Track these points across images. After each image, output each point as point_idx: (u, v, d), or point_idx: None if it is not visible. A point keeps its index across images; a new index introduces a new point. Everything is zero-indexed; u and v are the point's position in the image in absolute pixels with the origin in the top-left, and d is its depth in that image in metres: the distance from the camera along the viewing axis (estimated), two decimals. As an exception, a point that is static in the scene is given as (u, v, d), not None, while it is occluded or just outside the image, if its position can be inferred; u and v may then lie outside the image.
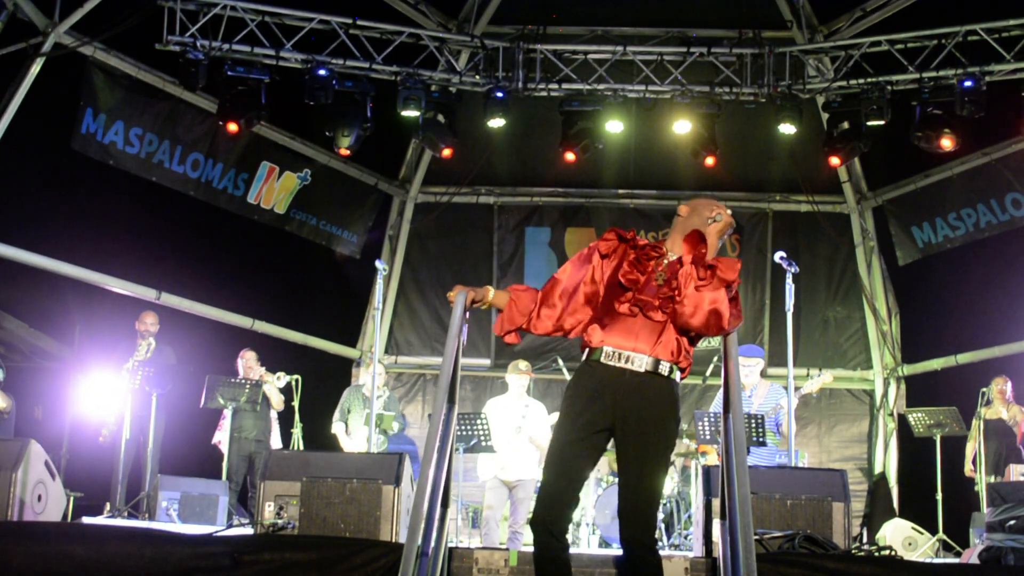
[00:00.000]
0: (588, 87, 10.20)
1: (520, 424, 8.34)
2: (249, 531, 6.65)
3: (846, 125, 9.90)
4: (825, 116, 10.32)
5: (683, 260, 3.94)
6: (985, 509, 6.80)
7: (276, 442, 9.63)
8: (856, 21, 10.67)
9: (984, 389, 9.38)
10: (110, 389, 9.05)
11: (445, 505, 4.30)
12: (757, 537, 5.23)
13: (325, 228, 11.82)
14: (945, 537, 8.86)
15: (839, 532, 5.56)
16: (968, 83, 9.10)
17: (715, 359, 10.04)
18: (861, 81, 9.76)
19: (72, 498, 8.28)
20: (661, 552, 4.12)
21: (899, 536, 8.82)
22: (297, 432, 9.58)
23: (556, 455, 3.90)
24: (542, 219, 12.45)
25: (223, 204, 10.82)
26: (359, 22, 9.91)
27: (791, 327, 7.42)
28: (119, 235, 9.68)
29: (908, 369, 11.78)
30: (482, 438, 8.04)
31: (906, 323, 11.97)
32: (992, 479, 9.00)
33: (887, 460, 11.69)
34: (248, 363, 9.58)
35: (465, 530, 9.55)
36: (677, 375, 3.94)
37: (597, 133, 10.12)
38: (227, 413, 9.13)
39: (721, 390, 4.84)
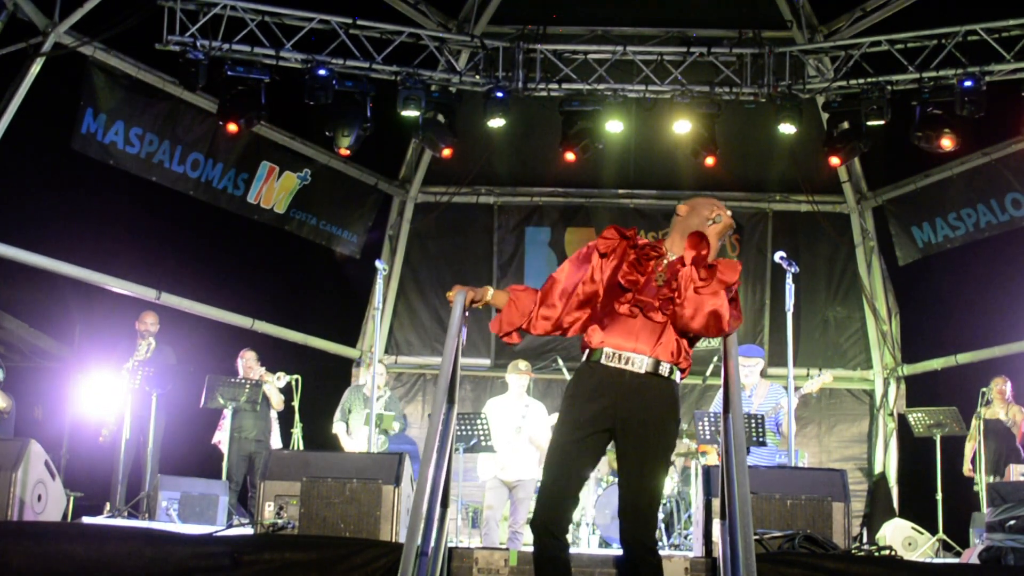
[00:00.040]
0: (588, 87, 10.20)
1: (520, 424, 8.34)
2: (249, 531, 6.65)
3: (846, 125, 9.90)
4: (825, 116, 10.32)
5: (683, 261, 3.93)
6: (985, 509, 6.80)
7: (276, 442, 9.63)
8: (856, 21, 10.67)
9: (984, 389, 9.38)
10: (110, 389, 9.05)
11: (445, 505, 4.30)
12: (757, 537, 5.23)
13: (325, 228, 11.82)
14: (945, 537, 8.86)
15: (839, 532, 5.56)
16: (968, 83, 9.10)
17: (715, 359, 10.04)
18: (861, 81, 9.76)
19: (72, 498, 8.28)
20: (661, 552, 4.12)
21: (899, 536, 8.82)
22: (297, 432, 9.58)
23: (556, 456, 3.90)
24: (542, 219, 12.45)
25: (223, 204, 10.82)
26: (359, 22, 9.91)
27: (791, 327, 7.42)
28: (119, 235, 9.68)
29: (908, 369, 11.78)
30: (482, 438, 8.04)
31: (906, 323, 11.97)
32: (992, 479, 9.00)
33: (887, 460, 11.69)
34: (248, 363, 9.58)
35: (465, 530, 9.55)
36: (677, 376, 3.93)
37: (597, 133, 10.12)
38: (227, 413, 9.13)
39: (721, 390, 4.83)
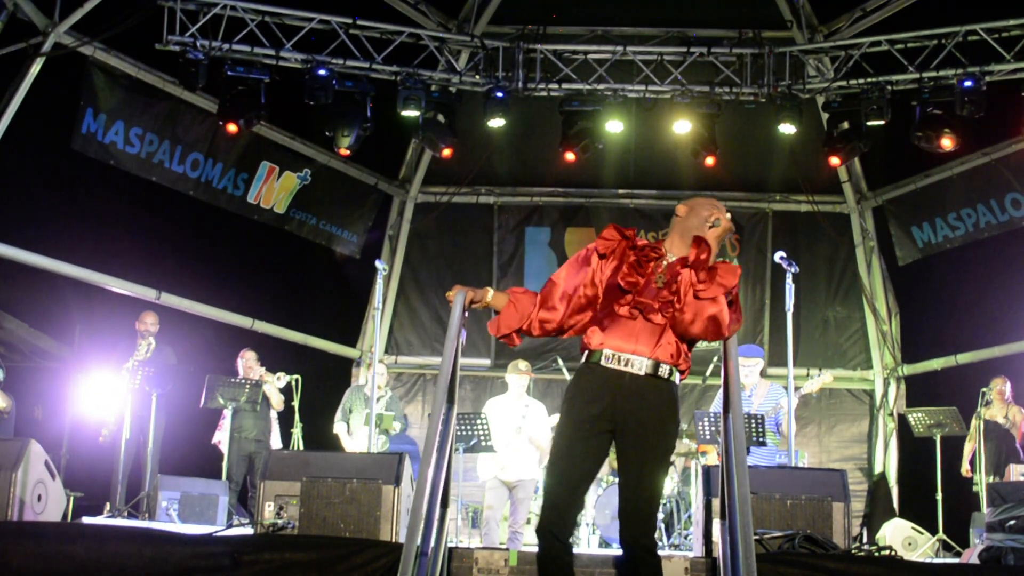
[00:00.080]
0: (588, 87, 10.20)
1: (520, 424, 8.33)
2: (249, 531, 6.65)
3: (846, 125, 9.90)
4: (825, 116, 10.32)
5: (683, 263, 3.93)
6: (985, 509, 6.80)
7: (276, 442, 9.63)
8: (856, 21, 10.67)
9: (984, 389, 9.37)
10: (110, 389, 9.05)
11: (445, 505, 4.30)
12: (757, 537, 5.23)
13: (325, 228, 11.82)
14: (945, 537, 8.86)
15: (839, 532, 5.57)
16: (968, 83, 9.10)
17: (715, 359, 10.04)
18: (861, 81, 9.76)
19: (72, 498, 8.28)
20: (661, 552, 4.12)
21: (899, 536, 8.82)
22: (297, 432, 9.58)
23: (559, 459, 3.90)
24: (542, 219, 12.45)
25: (223, 204, 10.82)
26: (359, 22, 9.91)
27: (791, 327, 7.42)
28: (119, 235, 9.68)
29: (908, 369, 11.78)
30: (482, 438, 8.04)
31: (906, 323, 11.97)
32: (992, 479, 9.00)
33: (887, 460, 11.69)
34: (248, 363, 9.58)
35: (465, 530, 9.55)
36: (677, 377, 3.93)
37: (597, 133, 10.12)
38: (227, 413, 9.13)
39: (721, 390, 4.83)
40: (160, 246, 10.11)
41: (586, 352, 3.98)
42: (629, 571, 3.84)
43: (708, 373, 10.41)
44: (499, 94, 9.99)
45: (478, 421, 8.10)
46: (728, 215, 4.01)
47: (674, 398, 3.93)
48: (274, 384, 9.54)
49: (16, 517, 6.09)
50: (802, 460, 8.89)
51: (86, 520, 7.61)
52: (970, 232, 10.92)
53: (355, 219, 12.08)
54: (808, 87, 10.19)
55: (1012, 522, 5.68)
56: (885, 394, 11.85)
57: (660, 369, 3.87)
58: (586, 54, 10.39)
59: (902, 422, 11.11)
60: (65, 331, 10.26)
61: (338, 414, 9.52)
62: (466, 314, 4.18)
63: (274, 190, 11.20)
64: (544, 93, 10.36)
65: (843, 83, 9.94)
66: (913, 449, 10.90)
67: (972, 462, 9.48)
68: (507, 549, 5.75)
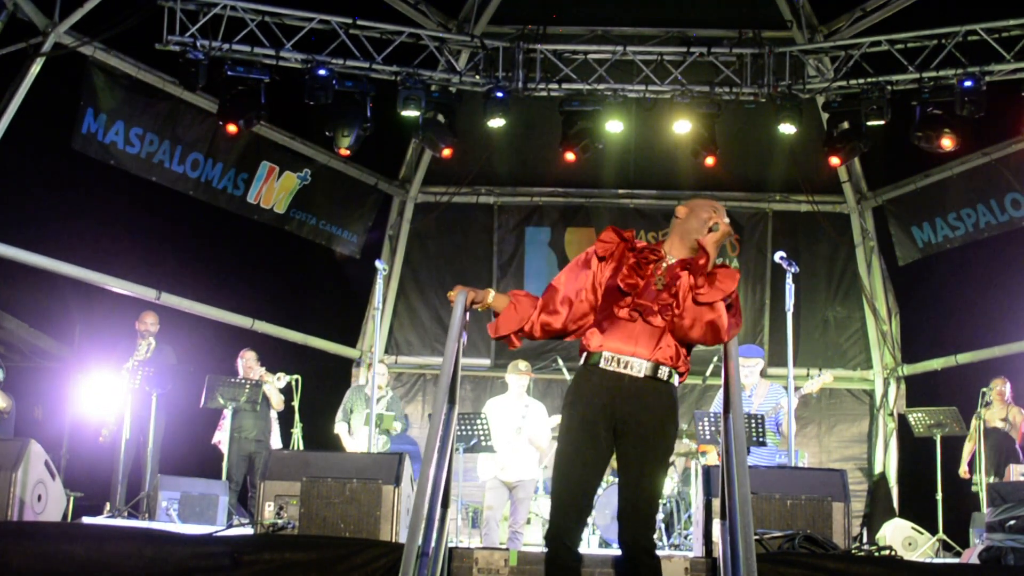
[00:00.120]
0: (588, 87, 10.20)
1: (520, 425, 8.33)
2: (249, 531, 6.65)
3: (846, 125, 9.90)
4: (825, 116, 10.32)
5: (683, 265, 3.92)
6: (985, 509, 6.80)
7: (276, 442, 9.63)
8: (856, 21, 10.67)
9: (984, 389, 9.38)
10: (110, 389, 9.05)
11: (445, 505, 4.30)
12: (757, 537, 5.23)
13: (325, 228, 11.82)
14: (945, 537, 8.86)
15: (839, 532, 5.56)
16: (968, 83, 9.10)
17: (715, 359, 10.04)
18: (861, 81, 9.76)
19: (72, 498, 8.28)
20: (661, 552, 4.12)
21: (899, 536, 8.82)
22: (297, 432, 9.58)
23: (564, 465, 3.89)
24: (542, 219, 12.45)
25: (223, 204, 10.82)
26: (359, 22, 9.91)
27: (791, 327, 7.42)
28: (119, 235, 9.68)
29: (908, 369, 11.78)
30: (482, 438, 8.04)
31: (906, 323, 11.98)
32: (991, 480, 9.00)
33: (887, 460, 11.69)
34: (248, 363, 9.58)
35: (465, 530, 9.55)
36: (676, 379, 3.93)
37: (597, 133, 10.11)
38: (227, 413, 9.13)
39: (721, 390, 4.83)
40: (160, 246, 10.12)
41: (585, 354, 3.98)
42: (628, 572, 3.84)
43: (708, 373, 10.41)
44: (499, 94, 9.99)
45: (478, 421, 8.10)
46: (727, 219, 3.99)
47: (673, 400, 3.93)
48: (274, 384, 9.54)
49: (16, 517, 6.09)
50: (802, 460, 8.89)
51: (86, 520, 7.61)
52: (970, 232, 10.92)
53: (355, 219, 12.08)
54: (808, 87, 10.19)
55: (1012, 522, 5.68)
56: (885, 394, 11.85)
57: (659, 371, 3.87)
58: (586, 54, 10.39)
59: (902, 422, 11.11)
60: (65, 331, 10.26)
61: (339, 414, 9.52)
62: (467, 315, 4.17)
63: (274, 190, 11.20)
64: (544, 93, 10.36)
65: (843, 83, 9.94)
66: (913, 449, 10.90)
67: (971, 463, 9.48)
68: (507, 549, 5.75)
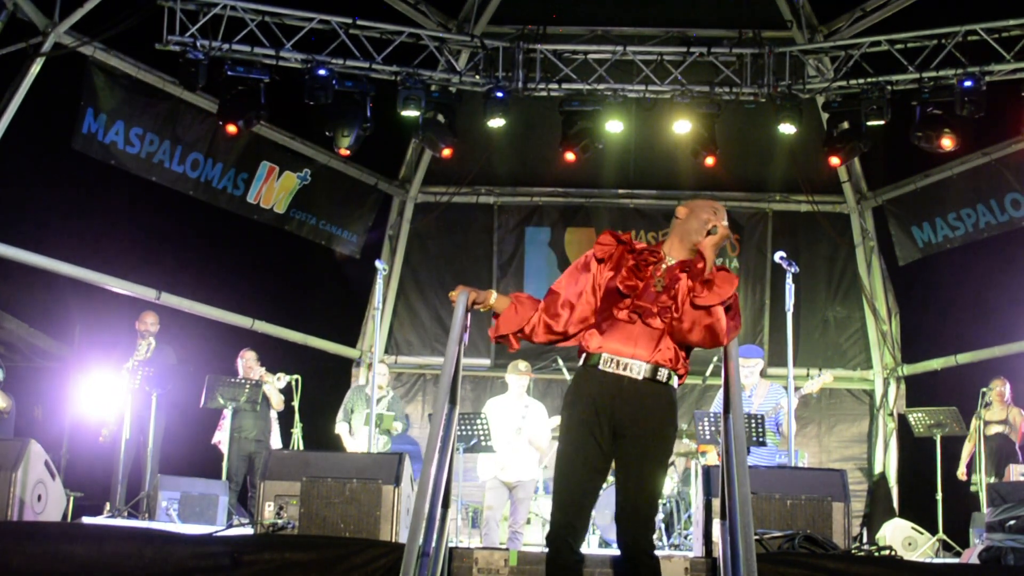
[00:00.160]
0: (588, 87, 10.20)
1: (520, 425, 8.33)
2: (249, 531, 6.65)
3: (846, 125, 9.90)
4: (825, 116, 10.33)
5: (682, 267, 3.92)
6: (985, 509, 6.80)
7: (276, 442, 9.63)
8: (856, 21, 10.67)
9: (984, 389, 9.37)
10: (110, 389, 9.05)
11: (445, 505, 4.30)
12: (757, 537, 5.23)
13: (325, 228, 11.82)
14: (945, 537, 8.86)
15: (839, 532, 5.57)
16: (968, 83, 9.10)
17: (715, 359, 10.04)
18: (861, 81, 9.76)
19: (72, 498, 8.28)
20: (661, 552, 4.12)
21: (899, 536, 8.82)
22: (297, 432, 9.58)
23: (565, 466, 3.89)
24: (542, 219, 12.45)
25: (223, 204, 10.82)
26: (359, 22, 9.91)
27: (791, 327, 7.42)
28: (119, 235, 9.68)
29: (908, 369, 11.78)
30: (482, 438, 8.04)
31: (906, 323, 11.98)
32: (991, 480, 9.00)
33: (887, 460, 11.69)
34: (248, 363, 9.58)
35: (465, 530, 9.55)
36: (675, 381, 3.93)
37: (597, 133, 10.11)
38: (227, 413, 9.13)
39: (721, 390, 4.83)
40: (160, 246, 10.12)
41: (584, 355, 3.97)
42: (628, 572, 3.84)
43: (708, 373, 10.41)
44: (499, 94, 10.00)
45: (478, 421, 8.10)
46: (725, 221, 3.98)
47: (672, 402, 3.93)
48: (274, 384, 9.54)
49: (16, 517, 6.09)
50: (802, 460, 8.89)
51: (86, 520, 7.61)
52: (970, 232, 10.92)
53: (355, 219, 12.08)
54: (808, 87, 10.19)
55: (1012, 522, 5.68)
56: (885, 394, 11.85)
57: (659, 373, 3.87)
58: (586, 54, 10.39)
59: (902, 422, 11.11)
60: (65, 331, 10.26)
61: (340, 414, 9.52)
62: (468, 315, 4.17)
63: (274, 190, 11.20)
64: (544, 93, 10.36)
65: (843, 83, 9.94)
66: (913, 449, 10.90)
67: (969, 465, 9.48)
68: (507, 549, 5.75)
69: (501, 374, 9.68)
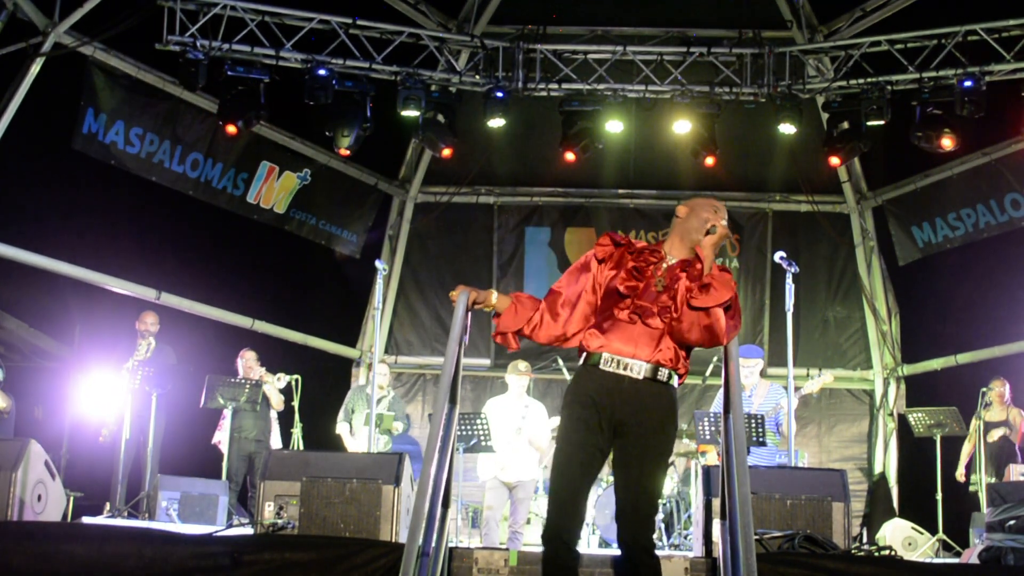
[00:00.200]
0: (588, 87, 10.20)
1: (520, 425, 8.33)
2: (249, 531, 6.65)
3: (846, 125, 9.90)
4: (825, 116, 10.33)
5: (682, 266, 3.92)
6: (985, 509, 6.80)
7: (276, 442, 9.62)
8: (856, 21, 10.67)
9: (984, 389, 9.37)
10: (110, 389, 9.05)
11: (445, 505, 4.30)
12: (757, 537, 5.23)
13: (325, 228, 11.82)
14: (945, 537, 8.86)
15: (839, 532, 5.57)
16: (968, 83, 9.10)
17: (715, 359, 10.04)
18: (861, 81, 9.76)
19: (72, 498, 8.28)
20: (661, 552, 4.12)
21: (899, 536, 8.82)
22: (297, 432, 9.58)
23: (563, 464, 3.89)
24: (542, 219, 12.45)
25: (223, 204, 10.82)
26: (359, 22, 9.91)
27: (791, 327, 7.42)
28: (119, 235, 9.68)
29: (908, 369, 11.78)
30: (482, 438, 8.04)
31: (906, 323, 11.97)
32: (991, 480, 9.00)
33: (887, 460, 11.69)
34: (248, 363, 9.58)
35: (465, 530, 9.55)
36: (675, 381, 3.93)
37: (597, 133, 10.11)
38: (227, 413, 9.13)
39: (721, 390, 4.84)
40: (160, 246, 10.11)
41: (585, 354, 3.98)
42: (628, 572, 3.84)
43: (708, 373, 10.41)
44: (499, 94, 10.00)
45: (478, 421, 8.10)
46: (725, 220, 3.98)
47: (673, 401, 3.93)
48: (274, 384, 9.54)
49: (16, 517, 6.09)
50: (802, 460, 8.89)
51: (86, 520, 7.61)
52: (970, 232, 10.92)
53: (355, 219, 12.08)
54: (808, 87, 10.19)
55: (1012, 522, 5.68)
56: (885, 394, 11.85)
57: (659, 373, 3.87)
58: (586, 54, 10.39)
59: (902, 422, 11.11)
60: (65, 331, 10.25)
61: (341, 414, 9.52)
62: (468, 315, 4.17)
63: (274, 190, 11.20)
64: (544, 93, 10.36)
65: (843, 83, 9.94)
66: (913, 449, 10.90)
67: (968, 465, 9.48)
68: (507, 549, 5.75)
69: (501, 374, 9.68)
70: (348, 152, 10.06)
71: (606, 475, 9.21)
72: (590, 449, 3.87)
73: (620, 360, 3.87)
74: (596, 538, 9.22)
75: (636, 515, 3.83)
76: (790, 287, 7.31)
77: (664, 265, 3.97)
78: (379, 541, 5.56)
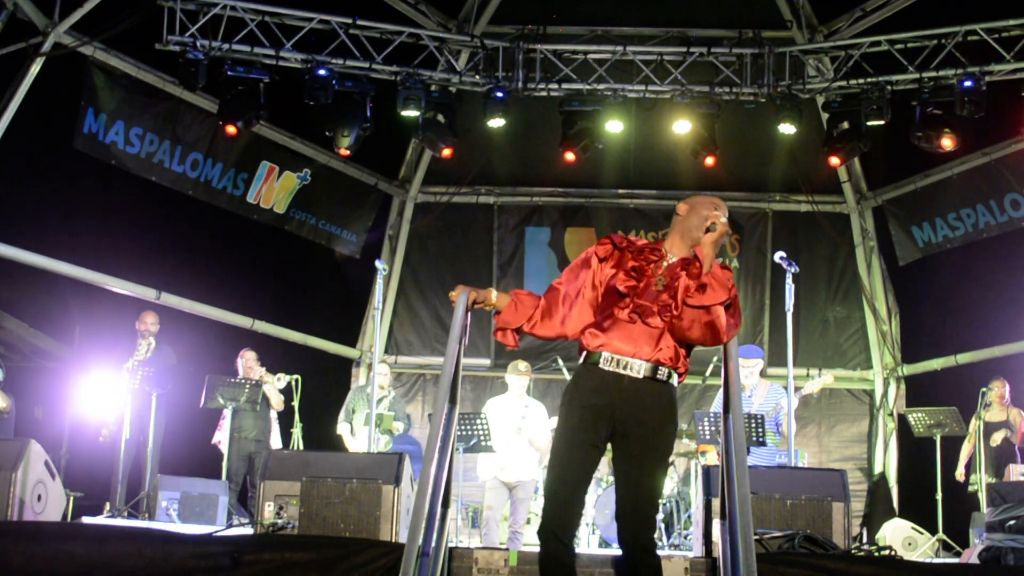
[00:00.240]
0: (588, 87, 10.20)
1: (520, 425, 8.33)
2: (249, 531, 6.65)
3: (846, 125, 9.90)
4: (825, 116, 10.33)
5: (682, 265, 3.92)
6: (985, 509, 6.80)
7: (276, 442, 9.62)
8: (856, 21, 10.67)
9: (984, 389, 9.37)
10: (110, 389, 9.05)
11: (445, 505, 4.30)
12: (757, 537, 5.23)
13: (325, 228, 11.82)
14: (945, 537, 8.86)
15: (839, 532, 5.57)
16: (968, 83, 9.10)
17: (715, 359, 10.04)
18: (861, 81, 9.76)
19: (72, 498, 8.27)
20: (661, 552, 4.12)
21: (899, 536, 8.82)
22: (297, 432, 9.58)
23: (559, 461, 3.90)
24: (542, 219, 12.45)
25: (223, 204, 10.82)
26: (359, 22, 9.91)
27: (791, 327, 7.43)
28: (119, 235, 9.67)
29: (908, 369, 11.78)
30: (482, 438, 8.04)
31: (906, 323, 11.97)
32: (991, 480, 9.00)
33: (887, 460, 11.69)
34: (248, 363, 9.58)
35: (465, 530, 9.55)
36: (675, 379, 3.93)
37: (597, 133, 10.11)
38: (227, 413, 9.13)
39: (721, 390, 4.84)
40: (160, 246, 10.11)
41: (585, 352, 3.98)
42: (628, 571, 3.84)
43: (708, 373, 10.41)
44: (499, 94, 10.00)
45: (478, 421, 8.10)
46: (724, 218, 3.97)
47: (672, 400, 3.93)
48: (274, 384, 9.54)
49: (16, 517, 6.09)
50: (802, 460, 8.90)
51: (86, 520, 7.61)
52: (970, 232, 10.92)
53: (355, 219, 12.08)
54: (808, 87, 10.19)
55: (1012, 522, 5.68)
56: (885, 394, 11.85)
57: (659, 372, 3.88)
58: (586, 54, 10.39)
59: (902, 422, 11.10)
60: (65, 331, 10.25)
61: (342, 415, 9.52)
62: (468, 315, 4.17)
63: (274, 190, 11.20)
64: (544, 93, 10.36)
65: (843, 83, 9.94)
66: (913, 449, 10.90)
67: (968, 465, 9.48)
68: (507, 549, 5.75)
69: (501, 374, 9.68)
70: (348, 152, 10.06)
71: (606, 475, 9.22)
72: (588, 447, 3.88)
73: (620, 359, 3.87)
74: (596, 538, 9.21)
75: (636, 514, 3.83)
76: (790, 287, 7.31)
77: (664, 264, 3.97)
78: (379, 541, 5.56)
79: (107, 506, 8.57)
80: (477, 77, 10.29)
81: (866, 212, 12.06)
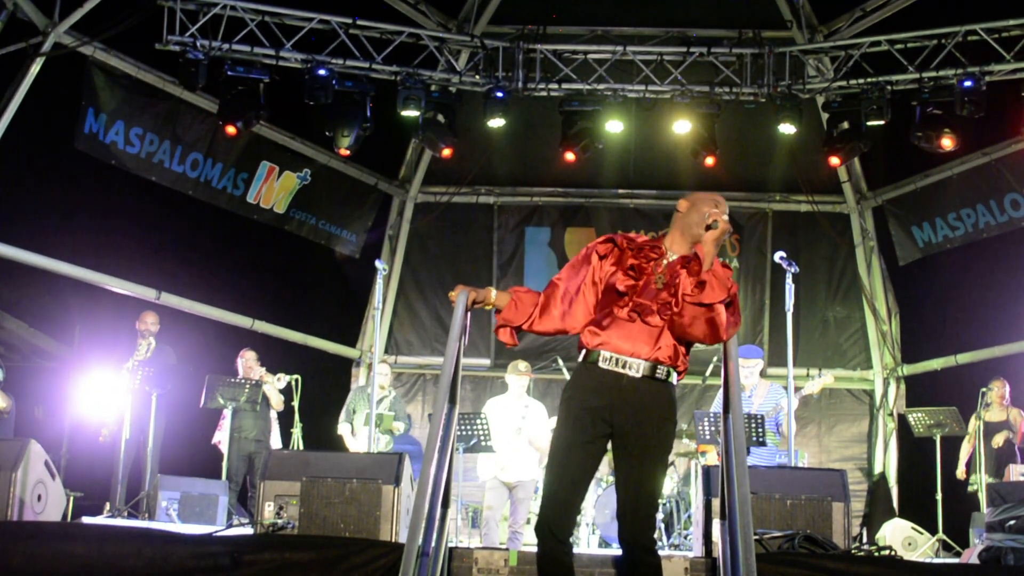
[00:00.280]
0: (588, 87, 10.20)
1: (520, 425, 8.33)
2: (249, 531, 6.65)
3: (846, 125, 9.90)
4: (825, 116, 10.33)
5: (682, 263, 3.92)
6: (985, 509, 6.80)
7: (276, 442, 9.62)
8: (856, 21, 10.67)
9: (984, 389, 9.37)
10: (110, 389, 9.05)
11: (445, 505, 4.30)
12: (757, 537, 5.23)
13: (325, 228, 11.82)
14: (945, 537, 8.86)
15: (839, 532, 5.57)
16: (968, 83, 9.10)
17: (715, 359, 10.05)
18: (861, 81, 9.76)
19: (72, 498, 8.28)
20: (661, 552, 4.12)
21: (899, 536, 8.82)
22: (297, 432, 9.58)
23: (558, 459, 3.90)
24: (542, 219, 12.46)
25: (223, 204, 10.82)
26: (359, 22, 9.92)
27: (791, 327, 7.42)
28: (119, 235, 9.68)
29: (908, 369, 11.78)
30: (482, 438, 8.04)
31: (906, 323, 11.98)
32: (991, 480, 9.00)
33: (887, 460, 11.69)
34: (248, 363, 9.58)
35: (465, 530, 9.55)
36: (674, 378, 3.93)
37: (597, 133, 10.12)
38: (227, 413, 9.13)
39: (721, 390, 4.83)
40: (160, 246, 10.12)
41: (584, 351, 3.98)
42: (629, 571, 3.84)
43: (708, 373, 10.41)
44: (499, 94, 10.00)
45: (478, 421, 8.10)
46: (725, 216, 3.96)
47: (672, 399, 3.93)
48: (274, 384, 9.54)
49: (16, 517, 6.09)
50: (802, 460, 8.89)
51: (86, 520, 7.61)
52: (970, 232, 10.92)
53: (355, 219, 12.08)
54: (808, 87, 10.19)
55: (1012, 522, 5.68)
56: (885, 394, 11.85)
57: (658, 370, 3.87)
58: (586, 54, 10.39)
59: (902, 422, 11.11)
60: (65, 331, 10.26)
61: (342, 415, 9.52)
62: (468, 315, 4.17)
63: (274, 190, 11.20)
64: (544, 93, 10.36)
65: (843, 83, 9.94)
66: (913, 449, 10.90)
67: (968, 464, 9.48)
68: (507, 549, 5.75)
69: (501, 374, 9.67)
70: (348, 152, 10.06)
71: (606, 475, 9.21)
72: (586, 447, 3.87)
73: (619, 358, 3.87)
74: (596, 538, 9.21)
75: (636, 514, 3.83)
76: (790, 287, 7.31)
77: (664, 261, 3.96)
78: (379, 541, 5.56)
79: (107, 506, 8.57)
80: (477, 77, 10.29)
81: (866, 212, 12.06)
